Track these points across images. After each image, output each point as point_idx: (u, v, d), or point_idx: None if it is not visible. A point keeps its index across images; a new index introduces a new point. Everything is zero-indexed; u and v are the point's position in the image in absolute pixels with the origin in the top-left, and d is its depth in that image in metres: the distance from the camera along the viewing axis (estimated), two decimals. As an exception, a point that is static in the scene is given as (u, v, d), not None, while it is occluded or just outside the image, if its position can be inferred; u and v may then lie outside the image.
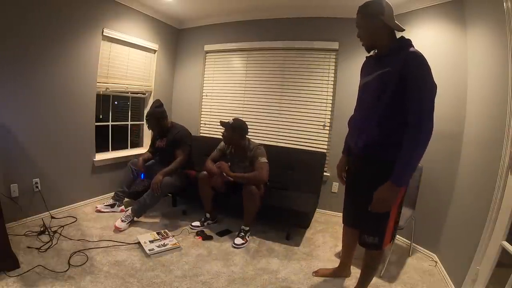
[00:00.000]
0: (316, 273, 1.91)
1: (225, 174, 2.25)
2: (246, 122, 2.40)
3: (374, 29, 1.35)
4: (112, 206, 2.66)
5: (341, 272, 1.89)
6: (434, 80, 1.23)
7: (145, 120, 2.70)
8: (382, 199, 1.26)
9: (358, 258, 2.11)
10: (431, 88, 1.21)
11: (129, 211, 2.39)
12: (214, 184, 2.33)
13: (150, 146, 2.90)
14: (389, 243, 1.48)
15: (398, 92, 1.25)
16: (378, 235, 1.41)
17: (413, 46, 1.31)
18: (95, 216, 2.52)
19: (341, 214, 1.78)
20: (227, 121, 2.34)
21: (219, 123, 2.36)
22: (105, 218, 2.50)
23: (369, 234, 1.44)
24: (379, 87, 1.33)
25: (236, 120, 2.35)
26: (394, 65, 1.26)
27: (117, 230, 2.27)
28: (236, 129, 2.31)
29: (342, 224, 1.78)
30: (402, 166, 1.21)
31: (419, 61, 1.22)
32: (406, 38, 1.35)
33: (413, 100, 1.21)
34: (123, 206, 2.70)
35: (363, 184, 1.43)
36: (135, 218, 2.43)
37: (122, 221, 2.33)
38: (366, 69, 1.52)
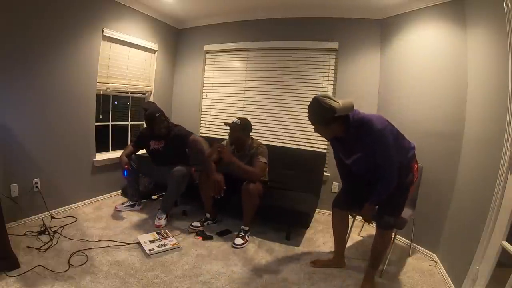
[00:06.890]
0: (314, 264, 2.00)
1: (223, 161, 2.24)
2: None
3: (333, 127, 1.57)
4: (132, 206, 2.75)
5: (336, 262, 2.00)
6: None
7: (149, 120, 2.54)
8: (365, 212, 1.69)
9: (361, 259, 2.12)
10: (386, 145, 1.51)
11: (160, 211, 2.51)
12: (211, 188, 2.27)
13: (134, 141, 2.76)
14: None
15: (374, 157, 1.57)
16: (395, 214, 1.70)
17: (363, 116, 1.55)
18: (95, 216, 2.52)
19: None
20: (232, 121, 2.34)
21: (219, 123, 2.35)
22: (105, 218, 2.50)
23: (389, 214, 1.68)
24: (363, 166, 1.66)
25: (243, 119, 2.36)
26: (360, 145, 1.58)
27: (158, 227, 2.38)
28: (245, 129, 2.34)
29: (332, 209, 1.96)
30: (375, 196, 1.62)
31: (371, 131, 1.50)
32: (352, 113, 1.54)
33: (379, 159, 1.55)
34: (142, 205, 2.82)
35: None
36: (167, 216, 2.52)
37: (159, 218, 2.46)
38: (339, 144, 1.74)
